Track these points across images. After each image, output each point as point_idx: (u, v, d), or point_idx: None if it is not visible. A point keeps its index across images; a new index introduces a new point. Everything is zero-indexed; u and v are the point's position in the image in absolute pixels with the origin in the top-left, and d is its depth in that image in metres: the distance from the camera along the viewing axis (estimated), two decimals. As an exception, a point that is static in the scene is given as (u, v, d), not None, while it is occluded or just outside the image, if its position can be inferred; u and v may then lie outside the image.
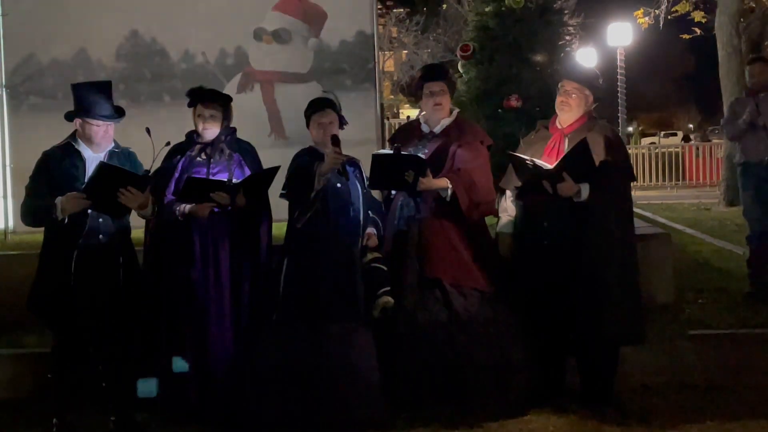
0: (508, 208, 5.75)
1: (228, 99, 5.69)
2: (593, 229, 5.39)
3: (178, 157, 5.55)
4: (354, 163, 5.67)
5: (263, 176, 5.44)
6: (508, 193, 5.74)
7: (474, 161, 5.62)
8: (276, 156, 5.80)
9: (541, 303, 5.46)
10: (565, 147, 5.53)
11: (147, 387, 5.32)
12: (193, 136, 5.61)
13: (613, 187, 5.49)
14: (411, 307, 5.47)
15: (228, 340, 5.44)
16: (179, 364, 5.34)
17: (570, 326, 5.43)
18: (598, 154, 5.38)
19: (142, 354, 5.43)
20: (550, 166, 5.36)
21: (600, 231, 5.40)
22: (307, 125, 5.69)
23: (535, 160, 5.39)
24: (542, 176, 5.35)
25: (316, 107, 5.64)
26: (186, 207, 5.38)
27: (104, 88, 5.45)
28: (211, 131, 5.52)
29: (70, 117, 5.40)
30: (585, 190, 5.35)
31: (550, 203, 5.41)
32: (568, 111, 5.62)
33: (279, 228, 5.76)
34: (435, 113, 5.79)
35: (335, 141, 5.39)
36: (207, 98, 5.54)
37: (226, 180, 5.39)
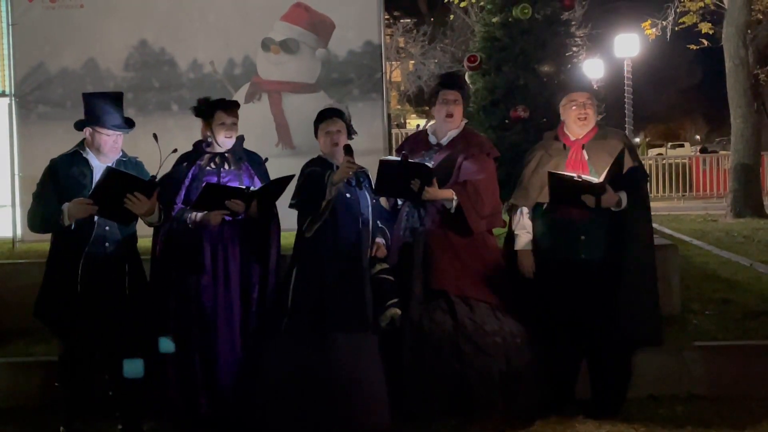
0: (526, 225, 5.70)
1: (239, 106, 5.72)
2: (631, 236, 5.45)
3: (186, 165, 5.55)
4: (363, 173, 5.68)
5: (278, 184, 5.45)
6: (525, 209, 5.70)
7: (480, 173, 5.61)
8: (283, 166, 5.81)
9: (565, 313, 5.46)
10: (585, 157, 5.55)
11: (133, 367, 5.29)
12: (201, 146, 5.62)
13: (642, 192, 5.61)
14: (417, 318, 5.47)
15: (237, 346, 5.45)
16: (166, 345, 5.33)
17: (594, 333, 5.47)
18: (626, 161, 5.47)
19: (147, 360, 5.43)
20: (597, 180, 5.39)
21: (637, 236, 5.47)
22: (316, 135, 5.70)
23: (582, 175, 5.40)
24: (584, 191, 5.36)
25: (324, 116, 5.66)
26: (198, 215, 5.40)
27: (116, 99, 5.48)
28: (231, 140, 5.55)
29: (80, 126, 5.42)
30: (624, 198, 5.43)
31: (585, 217, 5.44)
32: (588, 123, 5.62)
33: (287, 237, 5.76)
34: (445, 123, 5.77)
35: (348, 150, 5.40)
36: (229, 106, 5.56)
37: (244, 188, 5.40)
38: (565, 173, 5.44)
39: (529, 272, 5.65)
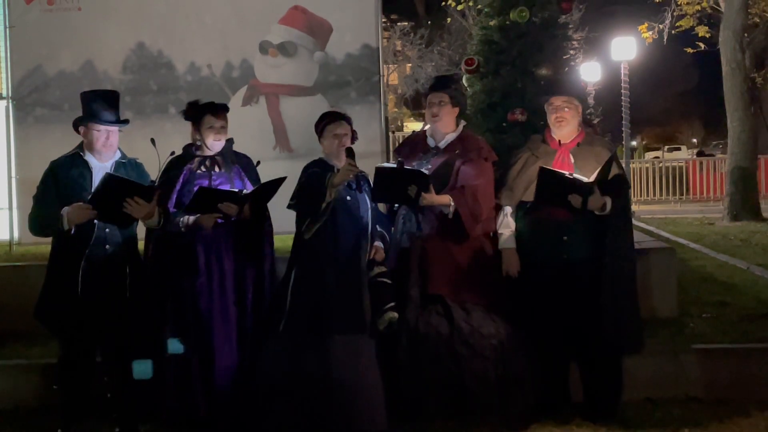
0: (510, 223, 5.72)
1: (228, 109, 5.71)
2: (611, 245, 5.44)
3: (177, 169, 5.54)
4: (363, 176, 5.68)
5: (271, 186, 5.45)
6: (508, 209, 5.72)
7: (478, 178, 5.62)
8: (281, 168, 5.81)
9: (549, 315, 5.46)
10: (572, 162, 5.57)
11: (142, 368, 5.29)
12: (191, 149, 5.62)
13: (625, 200, 5.62)
14: (413, 321, 5.47)
15: (233, 348, 5.45)
16: (174, 346, 5.32)
17: (579, 336, 5.47)
18: (612, 168, 5.47)
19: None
20: (587, 180, 5.41)
21: (616, 245, 5.47)
22: (319, 137, 5.70)
23: (574, 174, 5.42)
24: (572, 190, 5.38)
25: (332, 118, 5.66)
26: (190, 218, 5.40)
27: (110, 97, 5.50)
28: (220, 143, 5.55)
29: (76, 124, 5.45)
30: (609, 203, 5.43)
31: (568, 218, 5.45)
32: (566, 125, 5.65)
33: (285, 240, 5.76)
34: (433, 124, 5.81)
35: (350, 153, 5.41)
36: (217, 109, 5.56)
37: (236, 191, 5.40)
38: (557, 170, 5.46)
39: (513, 271, 5.66)
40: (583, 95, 5.79)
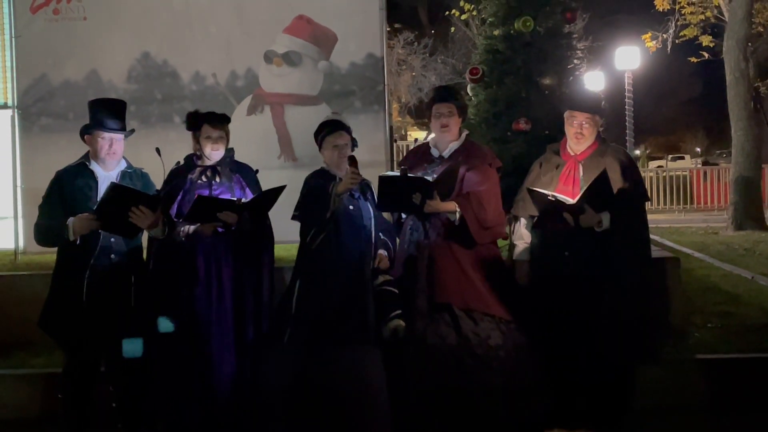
0: (523, 235, 5.73)
1: (229, 120, 5.72)
2: (614, 257, 5.39)
3: (182, 179, 5.55)
4: (366, 185, 5.68)
5: (271, 195, 5.45)
6: (523, 220, 5.73)
7: (483, 184, 5.61)
8: (285, 178, 5.81)
9: (557, 328, 5.44)
10: (580, 173, 5.55)
11: (133, 347, 5.26)
12: (192, 159, 5.63)
13: (631, 213, 5.51)
14: (420, 331, 5.46)
15: (231, 358, 5.43)
16: (165, 324, 5.29)
17: (587, 350, 5.44)
18: (615, 180, 5.41)
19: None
20: (571, 201, 5.37)
21: (620, 258, 5.40)
22: (319, 148, 5.68)
23: (556, 195, 5.40)
24: (563, 208, 5.35)
25: (331, 129, 5.63)
26: (190, 228, 5.40)
27: (115, 105, 5.54)
28: (218, 152, 5.54)
29: (82, 132, 5.48)
30: (606, 219, 5.37)
31: (571, 233, 5.42)
32: (584, 141, 5.62)
33: (289, 249, 5.76)
34: (442, 135, 5.78)
35: (352, 161, 5.40)
36: (215, 119, 5.57)
37: (235, 200, 5.40)
38: (541, 191, 5.45)
39: (524, 281, 5.67)
40: (604, 111, 5.75)
